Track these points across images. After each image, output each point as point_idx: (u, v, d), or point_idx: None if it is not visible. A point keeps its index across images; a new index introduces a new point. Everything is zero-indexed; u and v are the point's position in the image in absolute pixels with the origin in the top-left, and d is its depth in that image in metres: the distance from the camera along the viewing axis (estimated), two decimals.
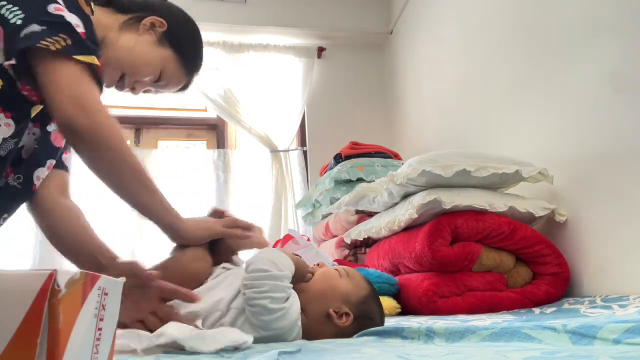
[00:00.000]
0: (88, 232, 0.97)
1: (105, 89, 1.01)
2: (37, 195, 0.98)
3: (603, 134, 1.43)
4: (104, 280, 0.39)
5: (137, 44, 1.00)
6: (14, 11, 0.79)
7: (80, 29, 0.81)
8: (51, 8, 0.78)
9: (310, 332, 0.86)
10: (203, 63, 1.13)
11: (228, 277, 0.90)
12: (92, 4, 0.97)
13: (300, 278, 0.90)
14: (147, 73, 1.02)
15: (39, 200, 0.99)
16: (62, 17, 0.78)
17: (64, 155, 1.10)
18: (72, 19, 0.80)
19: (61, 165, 1.08)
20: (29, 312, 0.32)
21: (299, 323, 0.84)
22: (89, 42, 0.82)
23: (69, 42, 0.77)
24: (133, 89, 1.05)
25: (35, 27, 0.77)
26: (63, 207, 1.00)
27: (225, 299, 0.85)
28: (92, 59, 0.79)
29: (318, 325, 0.87)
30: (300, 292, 0.88)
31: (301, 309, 0.86)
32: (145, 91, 1.10)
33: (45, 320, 0.32)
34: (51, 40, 0.76)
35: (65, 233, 0.97)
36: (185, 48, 1.05)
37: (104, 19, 0.98)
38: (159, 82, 1.05)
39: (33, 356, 0.31)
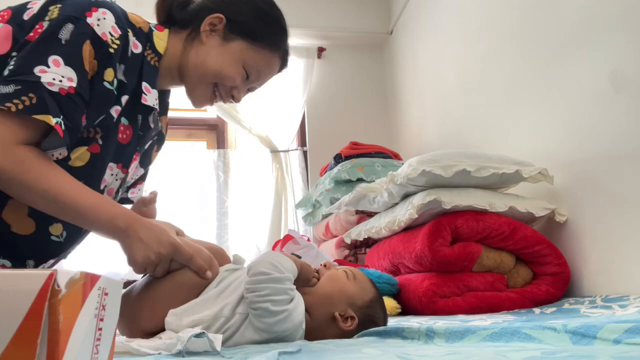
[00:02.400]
0: None
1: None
2: None
3: (603, 134, 1.43)
4: (104, 280, 0.39)
5: (207, 53, 0.97)
6: (11, 64, 0.79)
7: (72, 83, 0.80)
8: (37, 69, 0.77)
9: (313, 334, 0.85)
10: (284, 21, 1.04)
11: (233, 281, 0.90)
12: (153, 30, 0.97)
13: (305, 282, 0.90)
14: (232, 76, 0.99)
15: None
16: (38, 77, 0.77)
17: (131, 190, 1.13)
18: (64, 73, 0.79)
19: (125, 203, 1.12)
20: (29, 312, 0.32)
21: (303, 325, 0.84)
22: (71, 98, 0.80)
23: (34, 101, 0.76)
24: (233, 97, 1.03)
25: (6, 89, 0.76)
26: None
27: (229, 305, 0.84)
28: (47, 118, 0.77)
29: (322, 327, 0.87)
30: (307, 293, 0.88)
31: (307, 310, 0.86)
32: (250, 90, 1.07)
33: (45, 320, 0.32)
34: (17, 101, 0.76)
35: None
36: (253, 28, 0.99)
37: (171, 47, 0.98)
38: (251, 77, 1.02)
39: (33, 356, 0.31)
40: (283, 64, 1.09)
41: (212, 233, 2.91)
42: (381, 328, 0.85)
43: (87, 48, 0.83)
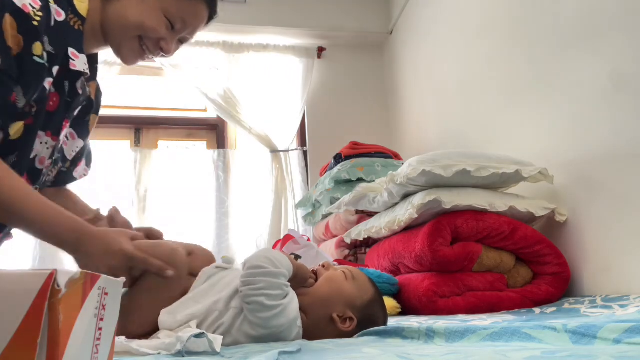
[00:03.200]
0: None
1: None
2: None
3: (603, 134, 1.43)
4: (104, 280, 0.39)
5: (126, 6, 0.95)
6: None
7: None
8: None
9: (311, 334, 0.85)
10: None
11: (225, 277, 0.90)
12: None
13: (302, 282, 0.90)
14: (154, 26, 0.96)
15: None
16: None
17: (74, 171, 1.11)
18: None
19: (69, 181, 1.10)
20: (29, 312, 0.32)
21: (299, 323, 0.84)
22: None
23: None
24: (162, 50, 1.00)
25: None
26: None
27: (223, 299, 0.84)
28: None
29: (320, 328, 0.87)
30: (303, 294, 0.87)
31: (304, 311, 0.86)
32: (181, 42, 1.03)
33: (45, 320, 0.32)
34: None
35: None
36: None
37: (91, 6, 0.95)
38: (175, 27, 0.98)
39: (33, 356, 0.31)
40: (212, 11, 1.04)
41: (212, 233, 2.91)
42: (381, 328, 0.85)
43: (7, 21, 0.79)
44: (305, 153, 3.21)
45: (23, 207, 0.79)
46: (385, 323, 0.95)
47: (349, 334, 0.87)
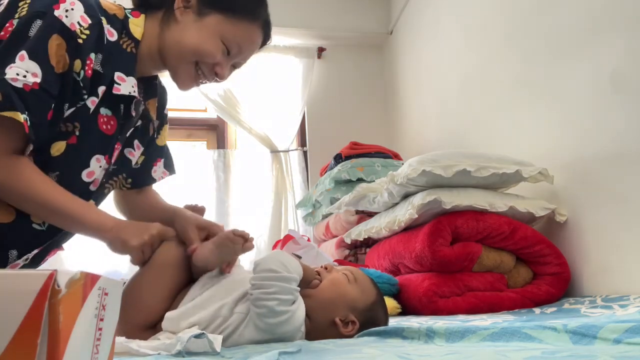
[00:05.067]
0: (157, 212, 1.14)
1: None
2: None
3: (603, 134, 1.43)
4: (104, 280, 0.39)
5: (183, 31, 0.95)
6: None
7: (36, 78, 0.78)
8: (7, 69, 0.77)
9: (314, 337, 0.85)
10: None
11: (229, 281, 0.90)
12: (129, 17, 0.95)
13: (306, 284, 0.90)
14: (211, 51, 0.96)
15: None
16: (4, 74, 0.76)
17: (152, 171, 1.17)
18: (28, 68, 0.78)
19: (148, 182, 1.17)
20: (29, 312, 0.32)
21: (302, 328, 0.84)
22: (35, 94, 0.78)
23: (0, 98, 0.76)
24: (217, 74, 1.00)
25: None
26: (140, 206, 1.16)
27: (227, 304, 0.84)
28: (15, 115, 0.76)
29: (322, 331, 0.87)
30: (307, 297, 0.87)
31: (307, 315, 0.85)
32: (235, 67, 1.04)
33: (45, 320, 0.32)
34: None
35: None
36: (227, 0, 0.97)
37: (148, 31, 0.96)
38: (231, 52, 0.99)
39: (33, 356, 0.31)
40: (266, 36, 1.06)
41: None
42: (381, 328, 0.85)
43: (54, 42, 0.80)
44: (305, 153, 3.21)
45: (65, 204, 0.85)
46: (386, 324, 0.95)
47: (350, 336, 0.87)
